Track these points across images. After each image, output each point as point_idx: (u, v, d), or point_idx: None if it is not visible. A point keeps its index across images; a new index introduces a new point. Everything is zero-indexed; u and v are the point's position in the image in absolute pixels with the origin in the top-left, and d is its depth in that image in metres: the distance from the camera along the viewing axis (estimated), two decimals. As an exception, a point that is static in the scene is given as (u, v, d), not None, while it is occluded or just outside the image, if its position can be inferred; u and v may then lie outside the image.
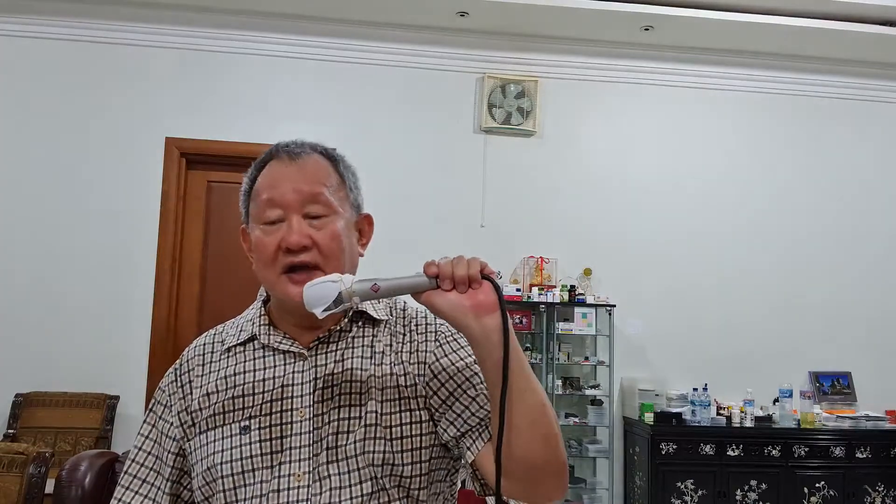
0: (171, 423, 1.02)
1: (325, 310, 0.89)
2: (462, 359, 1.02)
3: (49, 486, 1.81)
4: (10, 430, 3.52)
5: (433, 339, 1.04)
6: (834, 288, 4.64)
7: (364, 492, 0.93)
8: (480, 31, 4.45)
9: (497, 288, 0.90)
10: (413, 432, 0.98)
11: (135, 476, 1.02)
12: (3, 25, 4.13)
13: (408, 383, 1.00)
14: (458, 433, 0.98)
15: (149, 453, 1.03)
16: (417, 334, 1.05)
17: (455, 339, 1.05)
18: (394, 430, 0.97)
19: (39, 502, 1.97)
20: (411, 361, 1.02)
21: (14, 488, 1.97)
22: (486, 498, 1.01)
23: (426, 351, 1.03)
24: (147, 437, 1.04)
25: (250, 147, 4.07)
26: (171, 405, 1.03)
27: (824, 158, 4.74)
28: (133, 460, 1.03)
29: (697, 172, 4.62)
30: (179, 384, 1.04)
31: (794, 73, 4.72)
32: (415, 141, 4.42)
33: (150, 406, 1.07)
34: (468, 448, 0.97)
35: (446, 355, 1.02)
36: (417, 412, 0.99)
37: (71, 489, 1.13)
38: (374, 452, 0.95)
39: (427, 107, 4.45)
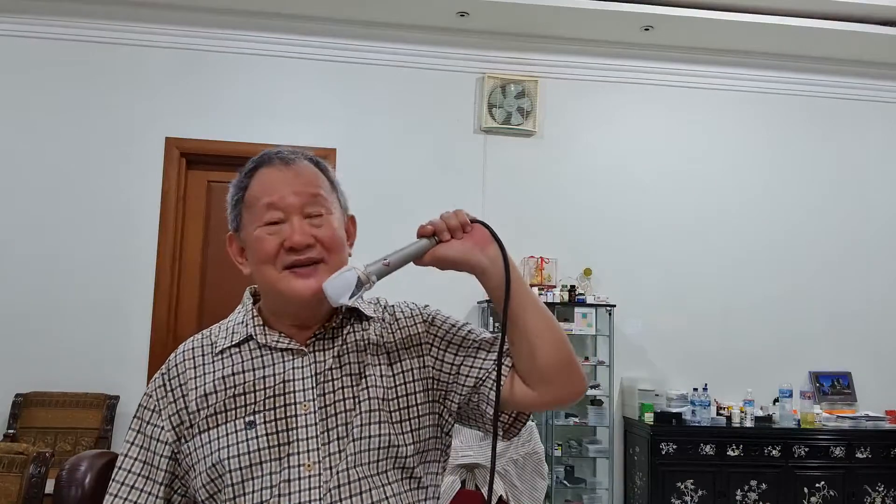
0: (163, 428, 1.03)
1: (351, 296, 0.95)
2: (453, 324, 1.12)
3: (49, 486, 1.81)
4: (10, 430, 3.50)
5: (420, 321, 1.12)
6: (834, 287, 4.64)
7: (370, 472, 0.99)
8: (480, 31, 4.45)
9: (486, 224, 1.04)
10: (411, 415, 1.05)
11: (122, 483, 1.02)
12: (3, 25, 4.13)
13: (403, 369, 1.07)
14: (477, 381, 1.06)
15: (135, 459, 1.03)
16: (405, 323, 1.11)
17: (438, 313, 1.14)
18: (393, 414, 1.03)
19: (39, 502, 1.96)
20: (405, 346, 1.09)
21: (14, 488, 1.97)
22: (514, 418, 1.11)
23: (418, 334, 1.10)
24: (133, 444, 1.04)
25: (250, 147, 4.06)
26: (161, 409, 1.04)
27: (824, 158, 4.74)
28: (120, 467, 1.03)
29: (698, 172, 4.62)
30: (169, 388, 1.05)
31: (795, 73, 4.72)
32: (415, 141, 4.41)
33: (136, 413, 1.07)
34: (490, 388, 1.05)
35: (438, 327, 1.11)
36: (414, 395, 1.06)
37: (71, 489, 1.13)
38: (378, 436, 1.00)
39: (427, 107, 4.45)
